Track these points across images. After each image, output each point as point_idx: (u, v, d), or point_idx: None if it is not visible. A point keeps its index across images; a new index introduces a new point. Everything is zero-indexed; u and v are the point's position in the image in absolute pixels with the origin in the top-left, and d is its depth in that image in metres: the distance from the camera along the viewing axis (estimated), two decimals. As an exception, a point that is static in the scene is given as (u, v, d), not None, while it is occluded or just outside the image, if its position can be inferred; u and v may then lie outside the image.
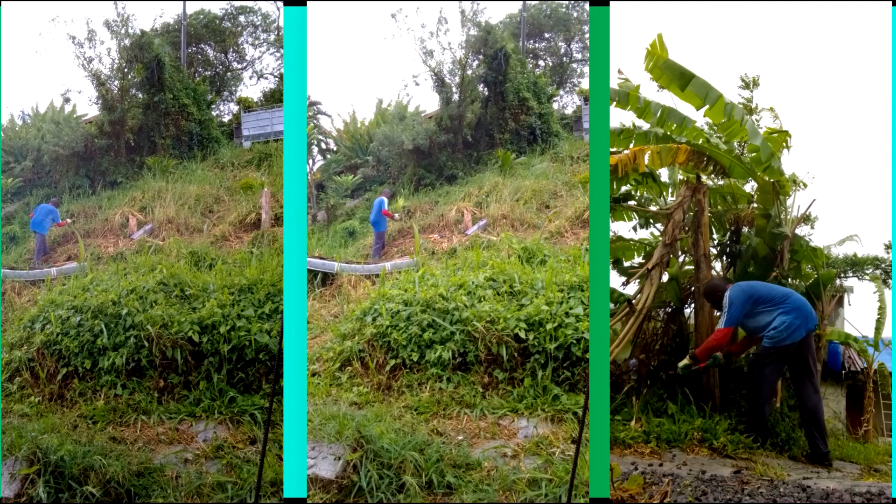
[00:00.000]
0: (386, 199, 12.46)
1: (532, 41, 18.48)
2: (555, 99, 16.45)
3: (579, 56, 18.53)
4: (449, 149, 14.51)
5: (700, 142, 7.30)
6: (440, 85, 14.80)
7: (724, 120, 6.96)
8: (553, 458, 5.49)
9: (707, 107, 6.91)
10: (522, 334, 6.82)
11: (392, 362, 7.15)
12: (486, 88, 14.85)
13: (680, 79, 6.89)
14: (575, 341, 6.65)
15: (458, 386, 6.74)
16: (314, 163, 16.74)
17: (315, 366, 7.56)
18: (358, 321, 7.82)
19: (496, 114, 14.70)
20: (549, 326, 6.78)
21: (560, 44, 18.76)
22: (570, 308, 6.98)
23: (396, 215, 12.79)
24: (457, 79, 14.71)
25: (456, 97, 14.70)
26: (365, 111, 19.39)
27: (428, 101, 17.79)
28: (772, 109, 8.45)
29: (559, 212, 11.74)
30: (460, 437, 5.95)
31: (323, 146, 17.39)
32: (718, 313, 7.39)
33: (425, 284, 8.17)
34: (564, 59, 18.81)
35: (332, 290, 10.49)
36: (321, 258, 11.15)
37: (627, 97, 7.20)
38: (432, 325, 7.23)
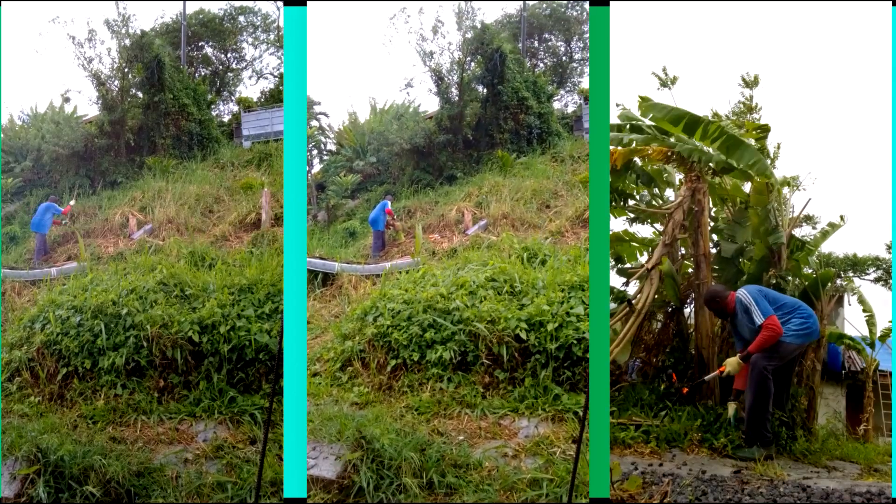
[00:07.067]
0: (389, 202, 12.51)
1: (532, 40, 18.44)
2: (555, 98, 16.41)
3: (580, 55, 18.50)
4: (449, 149, 14.50)
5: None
6: (439, 85, 14.78)
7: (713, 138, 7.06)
8: (554, 457, 5.50)
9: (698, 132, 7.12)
10: (523, 334, 6.82)
11: (393, 362, 7.15)
12: (484, 89, 14.83)
13: (667, 115, 7.17)
14: (576, 341, 6.64)
15: (459, 386, 6.74)
16: (314, 163, 16.74)
17: (316, 366, 7.56)
18: (359, 321, 7.81)
19: (494, 113, 14.69)
20: (549, 326, 6.78)
21: (560, 43, 18.73)
22: (571, 308, 6.98)
23: (390, 227, 12.60)
24: (455, 78, 14.69)
25: (455, 97, 14.69)
26: (365, 111, 19.35)
27: (427, 102, 17.75)
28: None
29: (559, 211, 11.75)
30: (461, 438, 5.96)
31: (323, 146, 17.37)
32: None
33: (426, 284, 8.17)
34: (564, 58, 18.77)
35: (332, 290, 10.48)
36: (322, 258, 11.15)
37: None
38: (433, 325, 7.23)
